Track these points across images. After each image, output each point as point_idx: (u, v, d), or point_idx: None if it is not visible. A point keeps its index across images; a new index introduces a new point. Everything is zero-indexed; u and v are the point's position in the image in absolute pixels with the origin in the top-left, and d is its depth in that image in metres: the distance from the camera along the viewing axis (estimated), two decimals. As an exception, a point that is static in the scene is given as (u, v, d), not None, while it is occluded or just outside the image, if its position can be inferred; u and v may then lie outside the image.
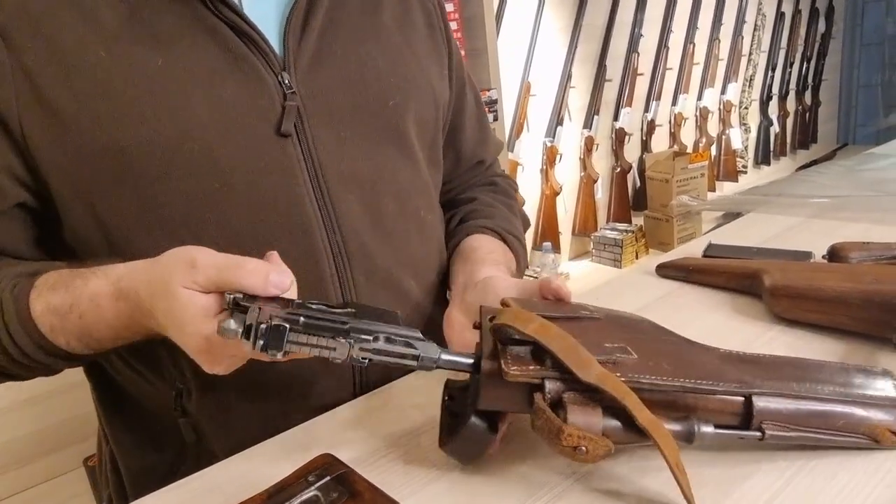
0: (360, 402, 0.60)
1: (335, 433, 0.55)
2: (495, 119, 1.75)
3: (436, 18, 0.75)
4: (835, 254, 0.77)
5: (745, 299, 0.71)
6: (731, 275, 0.73)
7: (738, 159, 3.02)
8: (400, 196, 0.67)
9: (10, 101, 0.52)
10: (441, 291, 0.74)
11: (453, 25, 1.70)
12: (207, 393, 0.61)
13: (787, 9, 3.21)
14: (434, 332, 0.59)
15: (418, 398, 0.58)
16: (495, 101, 1.76)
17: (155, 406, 0.65)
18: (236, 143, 0.57)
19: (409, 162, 0.69)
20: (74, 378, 1.46)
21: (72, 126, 0.53)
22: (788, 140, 3.39)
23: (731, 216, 1.25)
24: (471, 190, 0.82)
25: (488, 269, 0.65)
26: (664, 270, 0.81)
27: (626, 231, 2.34)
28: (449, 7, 1.66)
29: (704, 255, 0.83)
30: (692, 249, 0.88)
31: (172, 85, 0.55)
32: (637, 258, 2.34)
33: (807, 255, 0.78)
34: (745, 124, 3.10)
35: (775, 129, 3.27)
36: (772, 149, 3.26)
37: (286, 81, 0.59)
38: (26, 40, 0.52)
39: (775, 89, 3.26)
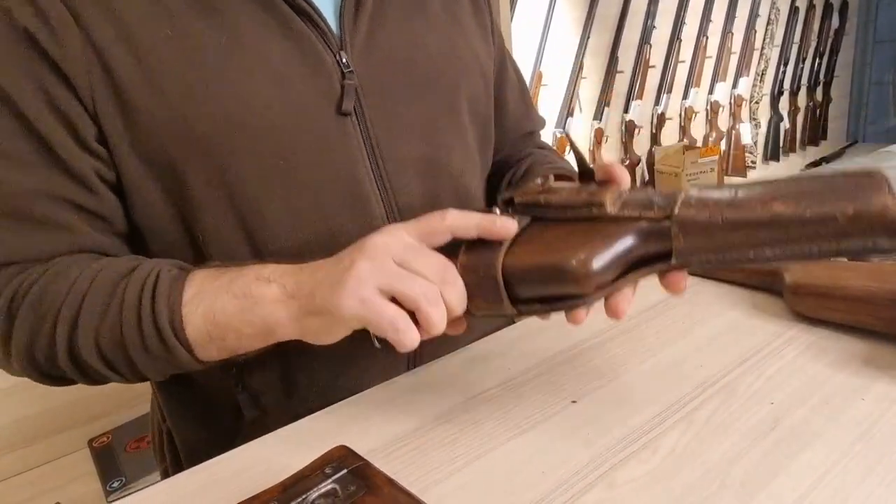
0: (377, 390, 0.59)
1: (353, 422, 0.54)
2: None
3: None
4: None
5: (764, 296, 0.70)
6: (750, 271, 0.72)
7: (747, 154, 3.00)
8: (453, 174, 0.68)
9: (83, 78, 0.53)
10: None
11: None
12: (268, 365, 0.61)
13: (801, 4, 3.17)
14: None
15: (442, 386, 0.58)
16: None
17: (212, 379, 0.64)
18: (298, 122, 0.58)
19: (462, 140, 0.69)
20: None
21: (140, 102, 0.54)
22: (798, 136, 3.36)
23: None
24: (523, 155, 0.81)
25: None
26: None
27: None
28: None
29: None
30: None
31: (236, 62, 0.55)
32: (644, 252, 2.33)
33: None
34: (755, 119, 3.07)
35: (785, 124, 3.24)
36: (781, 145, 3.23)
37: (344, 60, 0.60)
38: (96, 19, 0.53)
39: (787, 84, 3.23)
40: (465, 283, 0.47)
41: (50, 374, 0.54)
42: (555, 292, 0.46)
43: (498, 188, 0.78)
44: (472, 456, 0.48)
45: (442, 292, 0.46)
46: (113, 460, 1.38)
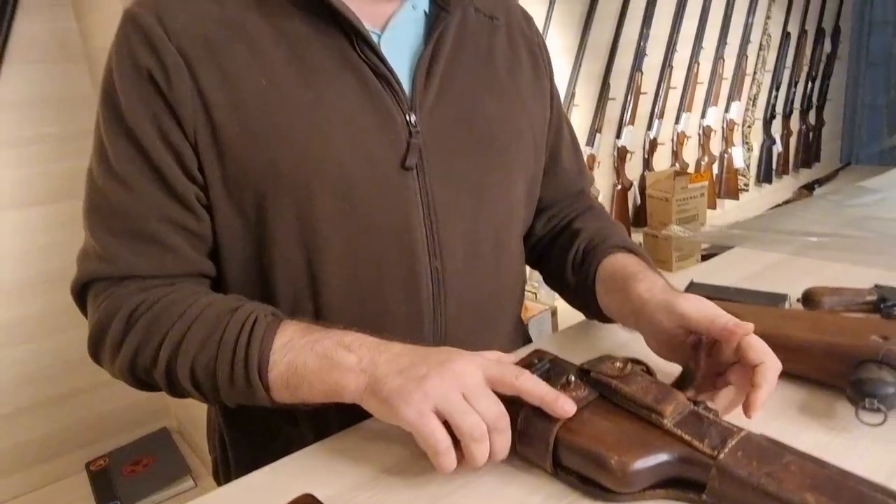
0: (343, 435, 0.63)
1: (316, 470, 0.58)
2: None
3: (541, 60, 0.82)
4: (808, 298, 0.80)
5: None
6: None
7: (739, 177, 3.04)
8: (497, 230, 0.74)
9: (189, 117, 0.61)
10: (515, 317, 0.83)
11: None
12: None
13: (793, 29, 3.22)
14: (506, 350, 0.65)
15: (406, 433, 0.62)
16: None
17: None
18: (366, 172, 0.65)
19: (507, 197, 0.75)
20: (79, 384, 1.50)
21: (233, 143, 0.62)
22: (791, 159, 3.40)
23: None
24: (578, 220, 0.86)
25: (647, 282, 0.68)
26: (645, 308, 0.84)
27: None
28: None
29: (685, 294, 0.86)
30: (677, 281, 0.91)
31: (319, 114, 0.63)
32: (635, 275, 2.36)
33: (782, 298, 0.81)
34: (747, 143, 3.11)
35: (778, 147, 3.29)
36: (774, 167, 3.28)
37: (412, 120, 0.67)
38: (204, 67, 0.61)
39: (779, 108, 3.27)
40: (521, 431, 0.53)
41: (142, 381, 0.64)
42: (592, 475, 0.51)
43: (549, 256, 0.85)
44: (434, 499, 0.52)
45: (491, 436, 0.51)
46: (110, 483, 1.42)
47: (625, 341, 0.76)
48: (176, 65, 0.60)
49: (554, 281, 0.85)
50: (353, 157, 0.64)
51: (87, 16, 1.30)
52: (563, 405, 0.52)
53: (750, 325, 0.58)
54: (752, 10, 2.96)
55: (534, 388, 0.53)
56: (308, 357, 0.56)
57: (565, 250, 0.82)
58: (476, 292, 0.73)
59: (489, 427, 0.51)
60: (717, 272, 0.96)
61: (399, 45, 0.69)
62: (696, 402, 0.53)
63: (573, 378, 0.55)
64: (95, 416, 1.52)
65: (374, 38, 0.67)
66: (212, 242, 0.66)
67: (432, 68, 0.69)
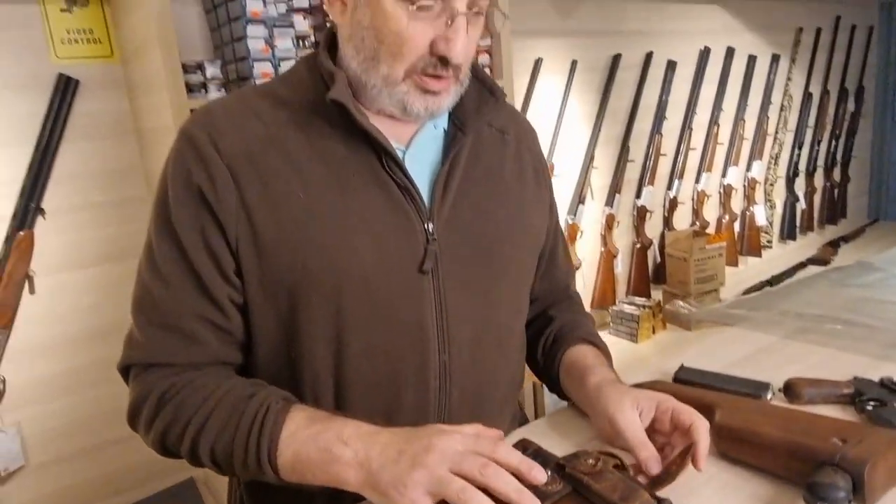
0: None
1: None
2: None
3: (542, 176, 0.91)
4: (789, 389, 0.85)
5: (702, 429, 0.78)
6: (689, 405, 0.82)
7: (762, 234, 3.07)
8: (500, 328, 0.82)
9: (233, 226, 0.69)
10: (514, 403, 0.91)
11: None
12: None
13: (815, 89, 3.27)
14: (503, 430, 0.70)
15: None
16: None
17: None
18: (387, 275, 0.72)
19: (510, 295, 0.84)
20: (112, 435, 1.59)
21: (271, 247, 0.70)
22: (816, 215, 3.41)
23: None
24: (554, 308, 0.95)
25: (598, 377, 0.78)
26: (636, 392, 0.89)
27: (644, 306, 2.40)
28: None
29: (675, 379, 0.92)
30: (677, 360, 0.96)
31: (348, 223, 0.71)
32: (654, 333, 2.39)
33: (764, 388, 0.86)
34: (770, 200, 3.14)
35: (802, 204, 3.30)
36: (798, 224, 3.29)
37: (430, 229, 0.74)
38: (248, 180, 0.70)
39: (802, 166, 3.30)
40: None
41: (171, 453, 0.72)
42: None
43: (532, 335, 0.92)
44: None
45: (486, 481, 0.57)
46: (137, 532, 1.50)
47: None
48: (224, 180, 0.69)
49: (528, 358, 0.94)
50: (376, 262, 0.71)
51: (139, 98, 1.43)
52: (536, 475, 0.58)
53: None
54: (772, 72, 3.02)
55: (508, 457, 0.59)
56: (311, 450, 0.62)
57: (539, 334, 0.92)
58: (478, 383, 0.79)
59: (479, 475, 0.56)
60: (711, 354, 1.01)
61: (421, 160, 0.77)
62: (660, 500, 0.58)
63: (549, 472, 0.62)
64: (127, 466, 1.61)
65: (400, 154, 0.75)
66: (241, 336, 0.74)
67: (449, 183, 0.76)
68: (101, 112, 1.48)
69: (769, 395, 0.85)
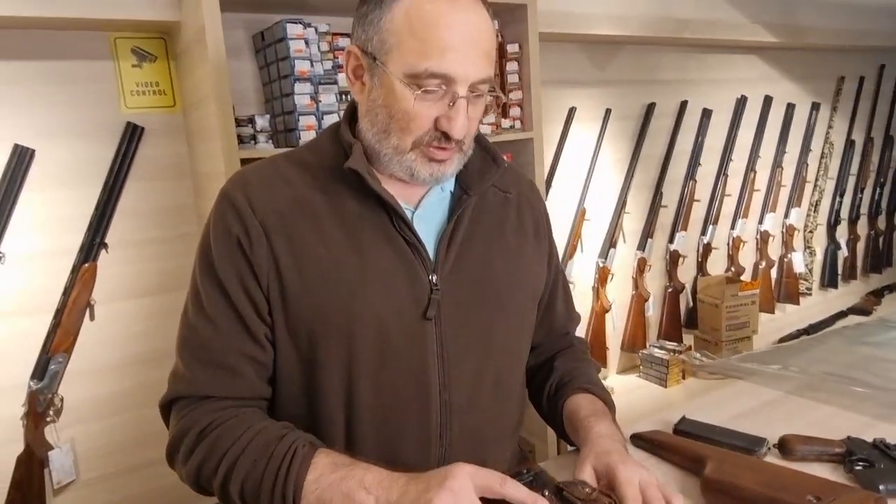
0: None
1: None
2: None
3: (542, 227, 1.00)
4: (783, 445, 0.89)
5: (695, 480, 0.83)
6: (682, 456, 0.87)
7: (801, 282, 3.04)
8: (498, 369, 0.90)
9: (264, 274, 0.80)
10: (514, 440, 0.97)
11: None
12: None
13: (858, 137, 3.25)
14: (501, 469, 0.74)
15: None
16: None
17: None
18: (396, 320, 0.81)
19: (508, 341, 0.92)
20: (154, 455, 1.70)
21: (295, 294, 0.79)
22: (860, 263, 3.36)
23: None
24: (558, 357, 1.02)
25: (598, 428, 0.84)
26: (637, 441, 0.94)
27: (674, 351, 2.42)
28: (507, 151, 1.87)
29: (675, 430, 0.96)
30: (667, 418, 1.01)
31: (362, 275, 0.80)
32: (683, 378, 2.40)
33: (760, 442, 0.90)
34: (809, 247, 3.12)
35: (844, 252, 3.26)
36: (839, 272, 3.25)
37: (434, 280, 0.83)
38: (277, 235, 0.80)
39: (844, 213, 3.27)
40: None
41: (203, 489, 0.79)
42: None
43: (532, 384, 1.01)
44: None
45: None
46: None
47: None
48: (258, 234, 0.79)
49: (535, 404, 1.03)
50: (385, 309, 0.80)
51: (196, 145, 1.57)
52: None
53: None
54: (811, 120, 3.03)
55: (515, 492, 0.66)
56: (334, 495, 0.68)
57: (543, 383, 1.00)
58: (477, 420, 0.87)
59: None
60: (716, 407, 1.05)
61: (428, 220, 0.87)
62: None
63: (547, 493, 0.68)
64: (167, 485, 1.71)
65: (409, 215, 0.84)
66: (272, 370, 0.83)
67: (453, 239, 0.85)
68: (161, 156, 1.62)
69: (763, 451, 0.89)
